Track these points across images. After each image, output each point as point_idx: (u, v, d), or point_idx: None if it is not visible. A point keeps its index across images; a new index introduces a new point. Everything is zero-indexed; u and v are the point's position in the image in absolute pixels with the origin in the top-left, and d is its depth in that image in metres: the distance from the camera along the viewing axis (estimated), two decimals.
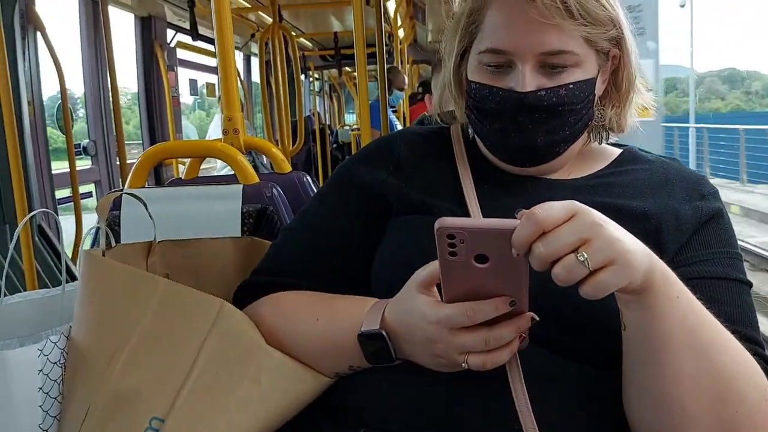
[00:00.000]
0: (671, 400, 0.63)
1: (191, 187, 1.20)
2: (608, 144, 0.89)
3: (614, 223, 0.59)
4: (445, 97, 0.89)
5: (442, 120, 0.92)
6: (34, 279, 2.32)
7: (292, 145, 4.12)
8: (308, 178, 1.56)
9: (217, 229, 1.12)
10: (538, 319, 0.62)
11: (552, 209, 0.56)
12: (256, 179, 1.23)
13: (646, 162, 0.85)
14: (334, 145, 6.67)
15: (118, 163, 3.48)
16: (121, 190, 1.13)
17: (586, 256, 0.55)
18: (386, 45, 4.56)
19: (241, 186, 1.16)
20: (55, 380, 0.74)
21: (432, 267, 0.64)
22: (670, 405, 0.64)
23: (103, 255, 0.83)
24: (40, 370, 0.72)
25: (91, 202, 3.70)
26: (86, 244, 1.29)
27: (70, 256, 3.26)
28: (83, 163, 3.65)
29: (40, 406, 0.72)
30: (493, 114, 0.79)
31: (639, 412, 0.67)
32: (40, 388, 0.72)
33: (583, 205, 0.58)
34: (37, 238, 3.15)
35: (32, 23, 3.10)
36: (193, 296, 0.75)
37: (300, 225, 0.87)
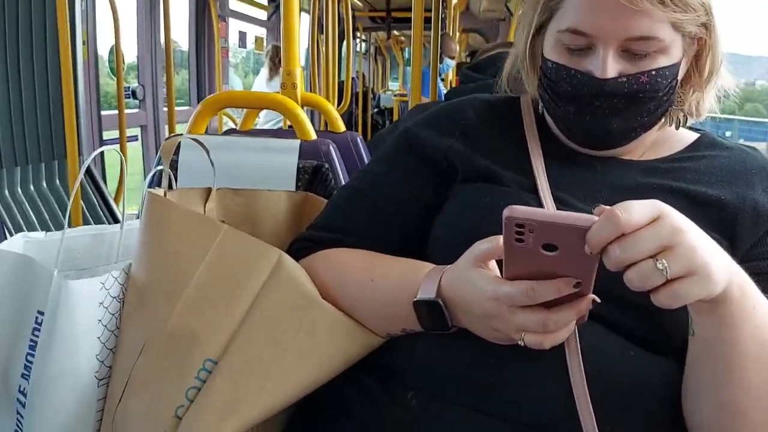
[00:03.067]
0: (735, 406, 0.62)
1: (250, 137, 1.20)
2: (685, 128, 0.86)
3: (697, 228, 0.56)
4: (516, 68, 0.87)
5: (511, 90, 0.90)
6: (80, 216, 2.39)
7: (338, 106, 4.11)
8: (361, 139, 1.55)
9: (272, 182, 1.13)
10: (599, 300, 0.61)
11: (634, 211, 0.54)
12: (314, 135, 1.22)
13: (724, 149, 0.82)
14: (375, 110, 6.61)
15: (165, 109, 3.54)
16: (182, 134, 1.14)
17: (665, 264, 0.53)
18: (430, 11, 4.48)
19: (298, 141, 1.17)
20: (114, 314, 0.76)
21: (493, 242, 0.63)
22: (733, 410, 0.62)
23: (164, 196, 0.85)
24: (101, 303, 0.74)
25: (136, 145, 3.76)
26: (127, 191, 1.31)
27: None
28: (131, 108, 3.70)
29: (98, 338, 0.74)
30: (568, 97, 0.76)
31: (699, 410, 0.66)
32: (100, 320, 0.74)
33: (667, 208, 0.56)
34: (84, 178, 3.22)
35: None
36: (253, 244, 0.75)
37: (364, 185, 0.86)
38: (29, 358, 0.74)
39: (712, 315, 0.59)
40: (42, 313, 0.73)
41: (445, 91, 4.60)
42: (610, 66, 0.72)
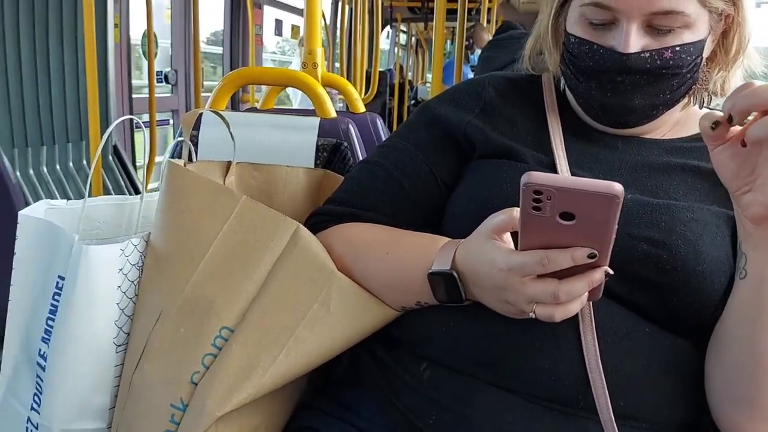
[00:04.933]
0: None
1: (269, 114, 1.21)
2: (709, 108, 0.84)
3: None
4: (539, 45, 0.86)
5: (533, 68, 0.89)
6: (100, 191, 2.42)
7: (364, 95, 4.11)
8: (380, 120, 1.54)
9: (292, 159, 1.13)
10: (612, 272, 0.59)
11: None
12: (334, 113, 1.22)
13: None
14: (412, 101, 6.59)
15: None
16: (203, 109, 1.15)
17: None
18: (473, 1, 4.43)
19: (318, 119, 1.16)
20: (132, 281, 0.77)
21: (507, 214, 0.62)
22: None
23: (185, 167, 0.85)
24: (120, 269, 0.75)
25: (167, 129, 3.81)
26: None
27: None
28: (163, 92, 3.74)
29: (117, 304, 0.75)
30: (590, 72, 0.75)
31: (728, 371, 0.65)
32: (119, 287, 0.75)
33: None
34: (111, 157, 3.28)
35: None
36: (270, 215, 0.76)
37: (382, 159, 0.85)
38: (49, 322, 0.75)
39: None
40: (62, 278, 0.74)
41: None
42: (633, 40, 0.71)
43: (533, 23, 0.86)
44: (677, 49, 0.71)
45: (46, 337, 0.75)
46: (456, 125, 0.82)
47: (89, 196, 0.85)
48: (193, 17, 3.43)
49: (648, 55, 0.71)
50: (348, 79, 4.47)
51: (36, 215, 0.78)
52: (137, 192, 3.40)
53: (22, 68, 2.71)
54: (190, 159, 0.92)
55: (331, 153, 1.14)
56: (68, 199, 3.05)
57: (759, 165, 0.59)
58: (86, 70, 2.25)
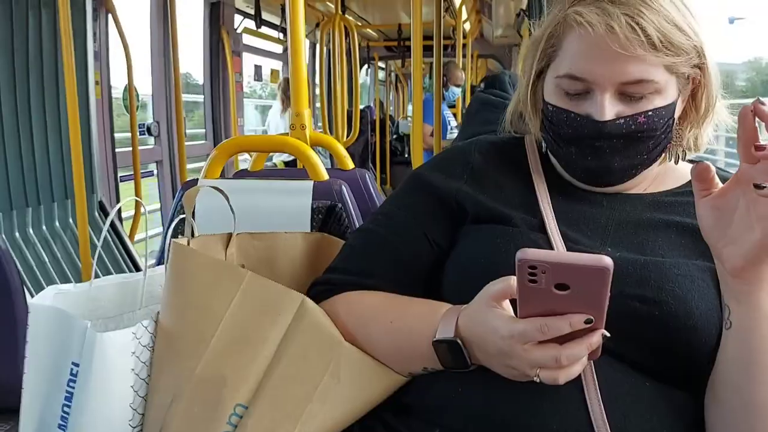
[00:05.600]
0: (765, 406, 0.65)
1: (264, 180, 1.24)
2: (686, 161, 0.88)
3: None
4: (519, 110, 0.91)
5: (515, 131, 0.93)
6: (87, 252, 2.40)
7: (347, 136, 4.16)
8: (370, 175, 1.58)
9: (287, 224, 1.16)
10: (608, 334, 0.63)
11: None
12: (326, 176, 1.26)
13: (723, 181, 0.85)
14: (395, 136, 6.68)
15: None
16: (198, 180, 1.18)
17: None
18: (448, 38, 4.54)
19: (312, 182, 1.20)
20: (144, 362, 0.79)
21: (505, 282, 0.66)
22: (763, 411, 0.65)
23: (188, 245, 0.88)
24: (133, 352, 0.77)
25: (151, 180, 3.82)
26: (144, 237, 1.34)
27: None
28: (146, 144, 3.76)
29: (131, 386, 0.77)
30: (569, 138, 0.79)
31: (727, 418, 0.69)
32: (132, 369, 0.77)
33: None
34: (97, 214, 3.28)
35: (105, 6, 3.21)
36: (276, 289, 0.78)
37: (379, 227, 0.88)
38: (65, 408, 0.77)
39: (749, 302, 0.65)
40: (77, 365, 0.76)
41: (451, 119, 4.65)
42: (608, 109, 0.75)
43: (505, 56, 0.91)
44: (650, 113, 0.76)
45: (63, 423, 0.77)
46: (446, 192, 0.85)
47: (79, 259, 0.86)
48: (174, 69, 3.48)
49: (623, 121, 0.76)
50: (329, 119, 4.53)
51: (46, 303, 0.80)
52: (127, 250, 3.39)
53: (3, 129, 2.71)
54: (192, 234, 0.95)
55: (326, 215, 1.17)
56: (57, 261, 3.02)
57: (736, 219, 0.64)
58: (69, 128, 2.27)
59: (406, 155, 6.26)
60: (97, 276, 0.90)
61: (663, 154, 0.83)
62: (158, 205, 3.91)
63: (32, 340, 0.79)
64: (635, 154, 0.78)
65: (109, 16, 3.28)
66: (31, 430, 0.80)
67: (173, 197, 3.81)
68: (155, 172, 3.76)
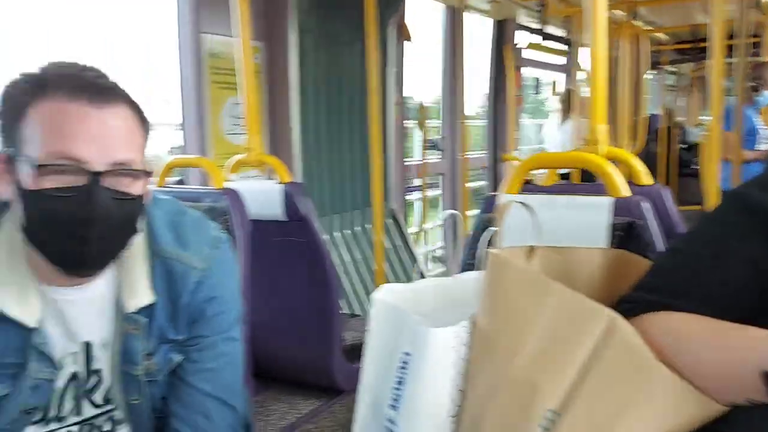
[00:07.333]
0: None
1: (563, 196, 1.27)
2: None
3: None
4: None
5: None
6: (381, 255, 2.77)
7: (632, 146, 3.97)
8: (666, 192, 1.50)
9: (583, 239, 1.17)
10: None
11: None
12: (628, 192, 1.24)
13: None
14: (683, 146, 6.16)
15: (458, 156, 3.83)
16: (511, 201, 1.26)
17: None
18: (756, 36, 4.06)
19: (612, 199, 1.19)
20: (462, 359, 0.88)
21: None
22: None
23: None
24: (453, 347, 0.86)
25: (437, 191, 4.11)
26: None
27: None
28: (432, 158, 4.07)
29: (451, 378, 0.86)
30: None
31: None
32: (453, 364, 0.87)
33: None
34: (390, 220, 3.66)
35: (403, 35, 3.56)
36: (586, 304, 0.80)
37: (694, 248, 0.85)
38: (395, 391, 0.89)
39: None
40: (408, 354, 0.88)
41: (762, 127, 4.12)
42: None
43: None
44: None
45: (393, 404, 0.89)
46: None
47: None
48: (457, 88, 3.71)
49: None
50: (611, 128, 4.36)
51: (386, 299, 0.94)
52: (410, 252, 3.84)
53: (321, 149, 3.28)
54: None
55: (625, 233, 1.15)
56: (355, 259, 3.62)
57: None
58: (372, 144, 2.63)
59: (695, 166, 5.71)
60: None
61: None
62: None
63: (373, 329, 0.94)
64: None
65: (404, 43, 3.63)
66: (366, 406, 0.95)
67: (451, 207, 4.08)
68: (440, 183, 4.04)
